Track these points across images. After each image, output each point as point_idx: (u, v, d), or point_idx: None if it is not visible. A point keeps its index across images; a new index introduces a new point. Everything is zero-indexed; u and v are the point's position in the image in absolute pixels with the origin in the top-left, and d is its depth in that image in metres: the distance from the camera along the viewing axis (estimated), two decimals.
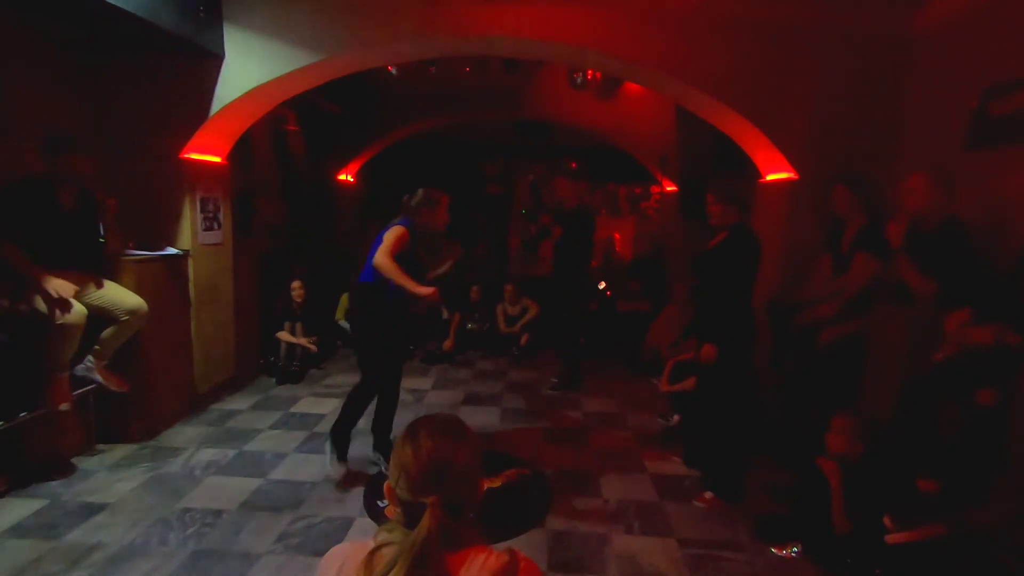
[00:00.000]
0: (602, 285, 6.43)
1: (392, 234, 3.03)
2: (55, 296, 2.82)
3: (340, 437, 3.22)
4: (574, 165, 8.87)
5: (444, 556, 0.98)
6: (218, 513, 2.81)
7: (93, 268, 3.17)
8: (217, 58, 3.77)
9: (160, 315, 3.58)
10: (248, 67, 3.80)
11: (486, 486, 3.10)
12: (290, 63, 3.78)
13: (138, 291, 3.32)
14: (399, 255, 2.98)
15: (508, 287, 6.43)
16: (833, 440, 2.61)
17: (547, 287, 5.92)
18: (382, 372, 3.26)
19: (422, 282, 3.08)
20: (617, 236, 8.60)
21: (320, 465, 3.35)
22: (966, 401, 2.25)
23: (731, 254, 2.93)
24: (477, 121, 7.58)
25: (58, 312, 2.86)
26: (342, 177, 7.46)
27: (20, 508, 2.76)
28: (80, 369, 3.15)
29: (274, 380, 4.92)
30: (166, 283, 3.79)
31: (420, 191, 3.24)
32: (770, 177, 4.28)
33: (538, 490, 3.16)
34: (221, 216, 4.35)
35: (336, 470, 3.23)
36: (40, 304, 2.86)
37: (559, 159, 8.94)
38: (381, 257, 2.93)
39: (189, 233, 3.98)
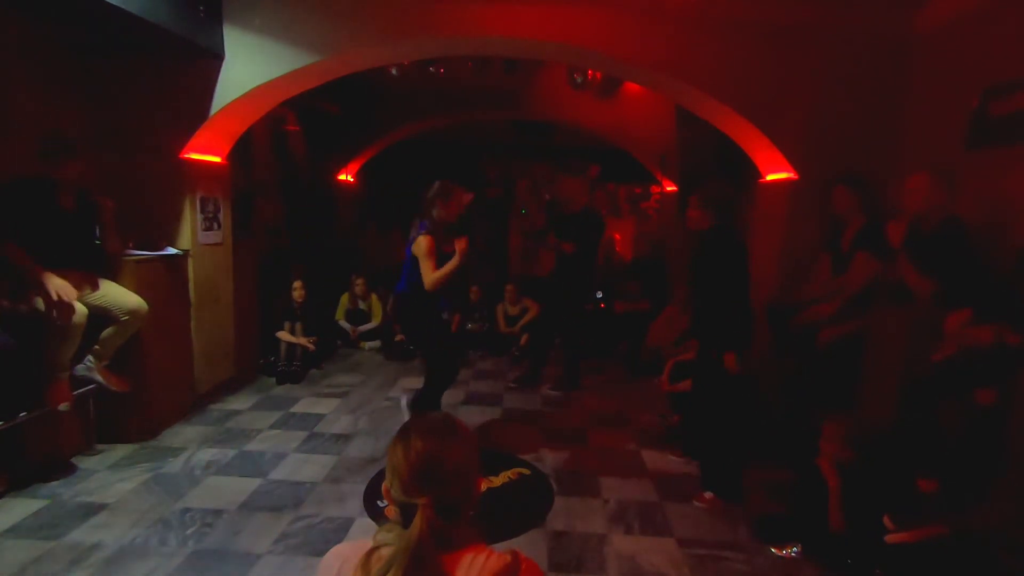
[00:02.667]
0: (599, 295, 6.39)
1: (422, 250, 3.19)
2: (56, 298, 2.83)
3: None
4: (595, 172, 8.70)
5: (439, 557, 0.98)
6: (218, 513, 2.81)
7: (91, 268, 3.17)
8: (217, 58, 3.77)
9: (160, 315, 3.58)
10: (248, 67, 3.80)
11: (485, 486, 3.11)
12: (290, 63, 3.79)
13: (138, 291, 3.32)
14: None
15: (509, 287, 6.43)
16: (825, 446, 2.61)
17: (547, 286, 5.90)
18: (440, 357, 3.48)
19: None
20: (617, 236, 8.60)
21: (320, 465, 3.36)
22: (966, 401, 2.25)
23: (712, 258, 2.91)
24: (477, 121, 7.58)
25: (58, 313, 2.86)
26: (342, 177, 7.46)
27: (20, 508, 2.76)
28: (80, 369, 3.15)
29: (274, 380, 4.92)
30: (166, 283, 3.79)
31: (436, 183, 3.34)
32: (770, 177, 4.28)
33: (538, 490, 3.16)
34: (221, 216, 4.35)
35: None
36: (40, 304, 2.86)
37: (562, 160, 8.92)
38: (429, 282, 3.18)
39: (189, 233, 3.98)
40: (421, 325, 3.46)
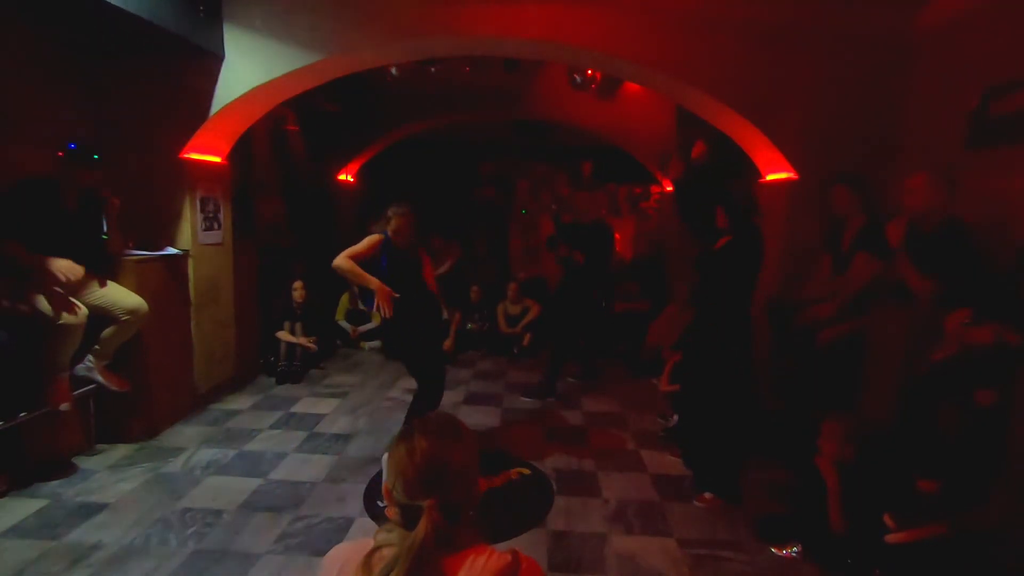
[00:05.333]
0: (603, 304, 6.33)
1: (364, 241, 3.19)
2: (63, 280, 2.83)
3: None
4: (587, 171, 8.84)
5: (441, 559, 0.98)
6: (218, 513, 2.81)
7: (95, 267, 3.17)
8: (217, 58, 3.77)
9: (160, 315, 3.58)
10: (248, 67, 3.80)
11: (486, 486, 3.11)
12: (290, 63, 3.79)
13: (138, 291, 3.33)
14: (372, 258, 3.18)
15: (512, 286, 6.44)
16: (825, 445, 2.61)
17: (555, 296, 5.85)
18: (426, 372, 3.35)
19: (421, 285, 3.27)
20: (617, 236, 8.59)
21: (320, 465, 3.36)
22: (966, 401, 2.25)
23: (736, 255, 2.90)
24: (477, 121, 7.58)
25: (62, 308, 2.85)
26: (342, 177, 7.46)
27: (20, 508, 2.76)
28: (80, 369, 3.15)
29: (274, 380, 4.92)
30: (166, 283, 3.80)
31: (396, 206, 3.26)
32: (770, 177, 4.28)
33: (538, 490, 3.17)
34: (221, 216, 4.35)
35: None
36: (41, 304, 2.86)
37: (561, 160, 8.95)
38: (338, 258, 3.12)
39: (189, 233, 3.98)
40: (403, 336, 3.30)
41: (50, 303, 2.85)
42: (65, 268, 2.86)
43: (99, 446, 3.46)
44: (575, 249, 4.78)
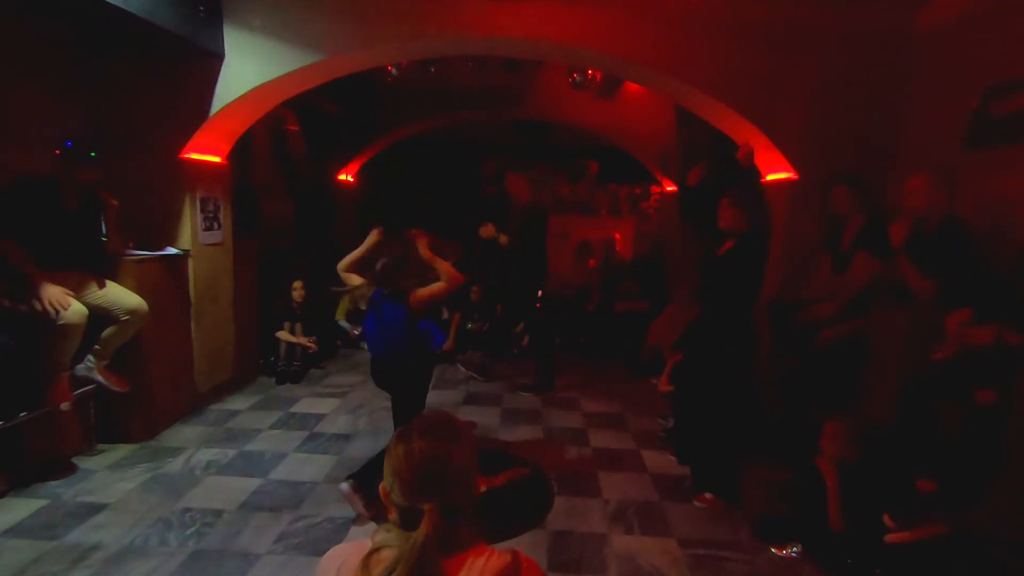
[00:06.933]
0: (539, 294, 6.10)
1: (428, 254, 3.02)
2: (50, 307, 2.81)
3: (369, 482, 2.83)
4: (594, 170, 8.90)
5: (441, 560, 0.98)
6: (218, 513, 2.81)
7: (95, 268, 3.17)
8: (217, 58, 3.77)
9: (160, 315, 3.58)
10: (248, 67, 3.80)
11: (486, 486, 3.10)
12: (290, 63, 3.78)
13: (138, 291, 3.32)
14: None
15: None
16: (827, 446, 2.61)
17: (499, 281, 5.75)
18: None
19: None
20: (617, 236, 8.60)
21: (320, 465, 3.36)
22: (966, 401, 2.25)
23: (738, 263, 2.90)
24: (477, 121, 7.59)
25: (55, 314, 2.85)
26: (342, 177, 7.46)
27: (20, 508, 2.77)
28: (80, 369, 3.15)
29: (274, 380, 4.92)
30: (166, 283, 3.79)
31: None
32: (770, 177, 4.28)
33: (538, 490, 3.16)
34: (221, 216, 4.34)
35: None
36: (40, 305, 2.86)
37: (562, 159, 8.97)
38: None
39: (189, 233, 3.98)
40: (419, 384, 3.06)
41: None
42: (53, 297, 2.81)
43: (99, 446, 3.46)
44: (501, 231, 4.59)
